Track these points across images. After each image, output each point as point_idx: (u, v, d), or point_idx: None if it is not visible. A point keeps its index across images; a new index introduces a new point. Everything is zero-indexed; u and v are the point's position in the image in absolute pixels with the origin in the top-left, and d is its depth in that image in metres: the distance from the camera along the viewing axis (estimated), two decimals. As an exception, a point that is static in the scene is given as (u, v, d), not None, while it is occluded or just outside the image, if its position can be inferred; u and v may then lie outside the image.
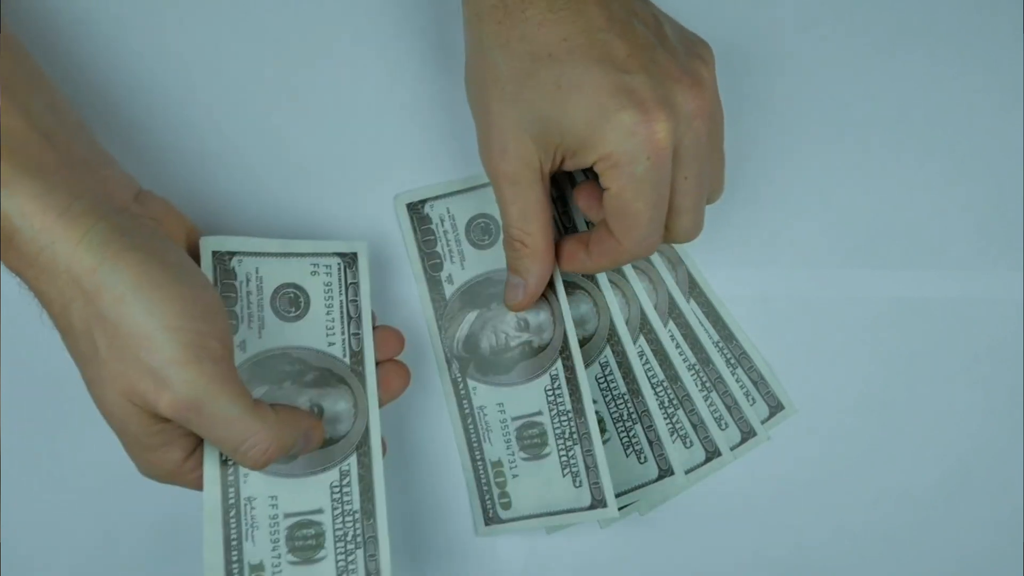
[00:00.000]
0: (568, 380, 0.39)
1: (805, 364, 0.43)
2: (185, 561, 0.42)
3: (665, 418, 0.42)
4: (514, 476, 0.40)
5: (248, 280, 0.36)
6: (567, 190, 0.42)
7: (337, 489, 0.36)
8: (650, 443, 0.41)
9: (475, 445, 0.40)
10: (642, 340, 0.42)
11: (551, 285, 0.40)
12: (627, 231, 0.34)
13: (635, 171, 0.32)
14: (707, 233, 0.43)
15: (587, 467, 0.38)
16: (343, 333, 0.37)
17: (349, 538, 0.35)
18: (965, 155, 0.44)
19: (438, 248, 0.41)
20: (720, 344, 0.43)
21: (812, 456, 0.43)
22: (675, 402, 0.42)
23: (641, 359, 0.42)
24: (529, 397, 0.40)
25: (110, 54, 0.41)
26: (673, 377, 0.42)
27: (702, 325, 0.43)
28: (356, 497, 0.36)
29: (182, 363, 0.30)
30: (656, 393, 0.42)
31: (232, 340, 0.33)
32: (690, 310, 0.43)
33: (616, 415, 0.42)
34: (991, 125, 0.44)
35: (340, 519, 0.35)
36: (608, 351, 0.42)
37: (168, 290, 0.30)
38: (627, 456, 0.41)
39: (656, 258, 0.43)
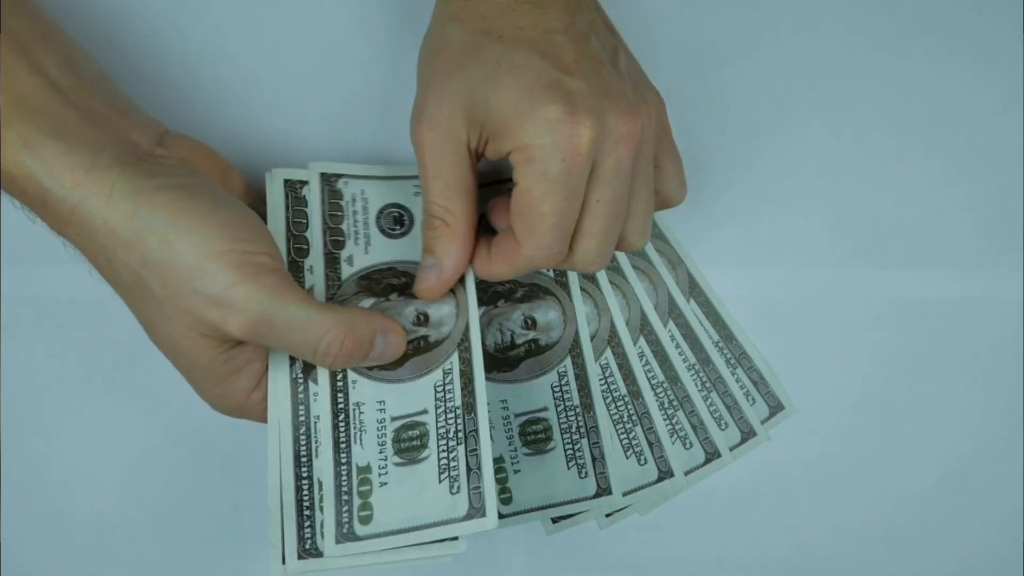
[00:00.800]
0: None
1: (805, 364, 0.43)
2: (186, 560, 0.42)
3: (665, 419, 0.42)
4: (516, 472, 0.40)
5: (354, 200, 0.38)
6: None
7: (440, 388, 0.36)
8: (650, 445, 0.41)
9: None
10: (642, 341, 0.42)
11: (565, 287, 0.40)
12: (528, 233, 0.33)
13: (547, 169, 0.31)
14: (707, 233, 0.43)
15: (594, 458, 0.39)
16: None
17: (451, 435, 0.36)
18: (965, 155, 0.44)
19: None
20: (720, 344, 0.43)
21: (812, 456, 0.43)
22: (675, 403, 0.42)
23: (641, 360, 0.42)
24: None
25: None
26: (673, 378, 0.42)
27: (702, 325, 0.43)
28: (457, 393, 0.36)
29: (239, 283, 0.31)
30: (656, 394, 0.42)
31: (281, 255, 0.34)
32: (690, 310, 0.43)
33: (616, 417, 0.42)
34: (991, 125, 0.44)
35: (443, 417, 0.36)
36: (608, 352, 0.42)
37: (206, 219, 0.31)
38: (627, 458, 0.41)
39: (656, 258, 0.43)
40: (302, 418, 0.36)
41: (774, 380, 0.43)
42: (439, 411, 0.36)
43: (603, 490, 0.38)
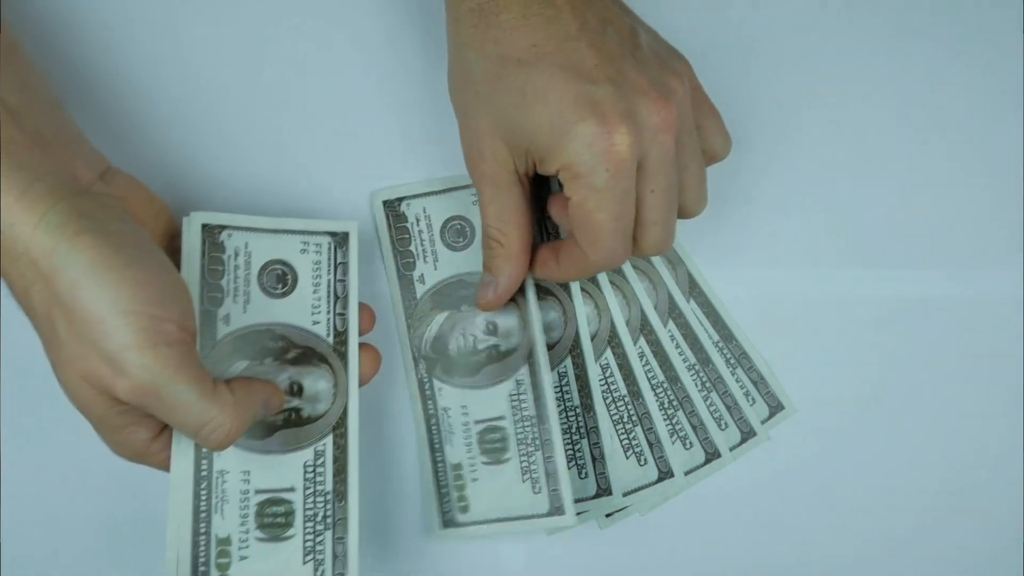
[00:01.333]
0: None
1: (805, 364, 0.43)
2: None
3: (665, 419, 0.42)
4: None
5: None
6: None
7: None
8: (650, 445, 0.41)
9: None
10: (642, 341, 0.42)
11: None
12: (591, 242, 0.34)
13: (594, 182, 0.32)
14: (707, 233, 0.43)
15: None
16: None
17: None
18: (965, 155, 0.44)
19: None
20: (720, 344, 0.43)
21: (812, 456, 0.43)
22: (675, 403, 0.42)
23: (641, 360, 0.42)
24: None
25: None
26: (673, 378, 0.42)
27: (702, 325, 0.43)
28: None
29: (137, 348, 0.29)
30: (656, 395, 0.42)
31: (194, 322, 0.33)
32: (690, 310, 0.43)
33: (616, 417, 0.42)
34: (991, 125, 0.44)
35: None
36: (609, 353, 0.42)
37: (122, 273, 0.29)
38: (627, 458, 0.41)
39: (656, 258, 0.43)
40: (204, 473, 0.35)
41: (774, 380, 0.43)
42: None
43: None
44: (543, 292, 0.41)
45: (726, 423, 0.42)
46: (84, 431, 0.41)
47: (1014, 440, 0.43)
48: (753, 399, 0.43)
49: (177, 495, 0.34)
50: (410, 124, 0.42)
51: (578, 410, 0.41)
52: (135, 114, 0.41)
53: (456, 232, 0.41)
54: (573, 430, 0.41)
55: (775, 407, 0.43)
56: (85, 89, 0.41)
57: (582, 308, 0.42)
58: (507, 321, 0.40)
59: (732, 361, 0.43)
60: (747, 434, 0.42)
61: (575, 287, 0.42)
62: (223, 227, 0.36)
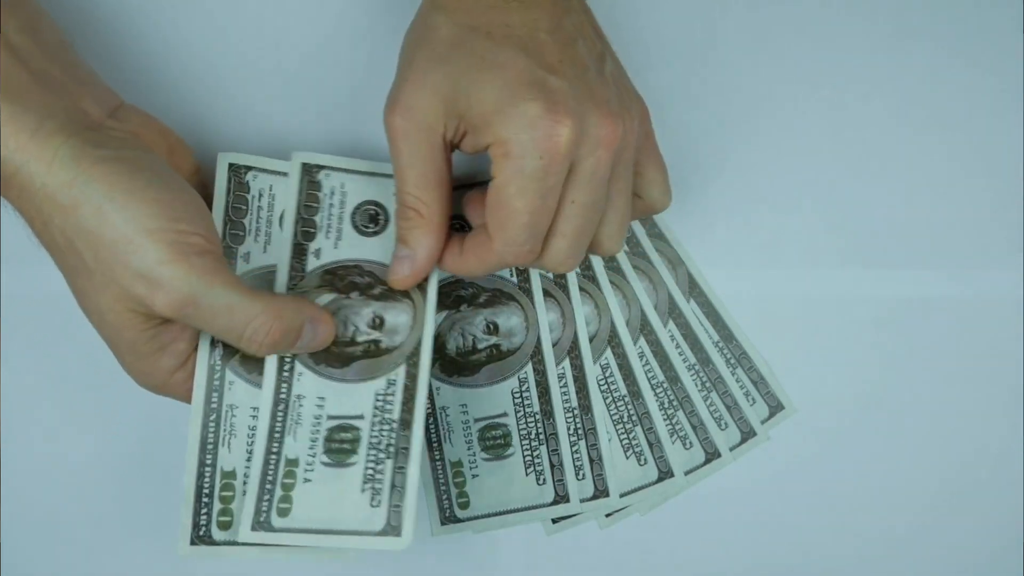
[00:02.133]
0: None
1: (805, 364, 0.43)
2: (185, 560, 0.42)
3: (665, 419, 0.42)
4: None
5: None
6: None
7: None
8: (650, 445, 0.42)
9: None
10: (642, 341, 0.42)
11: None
12: (501, 228, 0.33)
13: (524, 166, 0.31)
14: (707, 233, 0.43)
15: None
16: None
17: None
18: (965, 155, 0.44)
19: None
20: (720, 344, 0.43)
21: (812, 456, 0.43)
22: (675, 403, 0.42)
23: (641, 360, 0.42)
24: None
25: None
26: (673, 378, 0.42)
27: (702, 325, 0.43)
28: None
29: (169, 262, 0.31)
30: (656, 395, 0.42)
31: (218, 236, 0.34)
32: (690, 310, 0.43)
33: (616, 417, 0.42)
34: (991, 125, 0.44)
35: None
36: (609, 352, 0.42)
37: (143, 194, 0.31)
38: (627, 458, 0.41)
39: (656, 258, 0.43)
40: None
41: (774, 380, 0.43)
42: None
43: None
44: (506, 297, 0.41)
45: (726, 423, 0.42)
46: (84, 430, 0.41)
47: (1014, 440, 0.43)
48: (753, 399, 0.43)
49: (262, 412, 0.35)
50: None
51: (576, 411, 0.41)
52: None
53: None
54: (571, 431, 0.41)
55: (775, 407, 0.43)
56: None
57: (580, 311, 0.42)
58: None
59: (732, 361, 0.43)
60: (747, 434, 0.42)
61: (574, 288, 0.42)
62: (320, 167, 0.38)
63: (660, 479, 0.41)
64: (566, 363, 0.42)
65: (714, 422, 0.42)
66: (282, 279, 0.37)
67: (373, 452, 0.36)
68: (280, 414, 0.36)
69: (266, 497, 0.35)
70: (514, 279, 0.41)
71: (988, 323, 0.43)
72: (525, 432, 0.40)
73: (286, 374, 0.36)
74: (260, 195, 0.38)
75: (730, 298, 0.43)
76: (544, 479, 0.40)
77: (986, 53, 0.44)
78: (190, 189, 0.33)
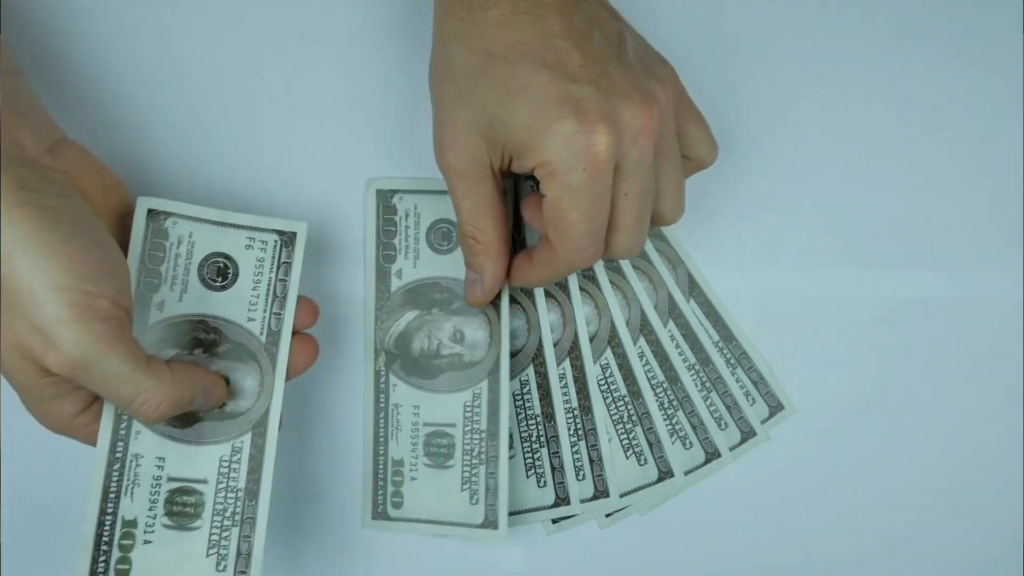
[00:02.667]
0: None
1: (805, 364, 0.43)
2: None
3: (665, 419, 0.42)
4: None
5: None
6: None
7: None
8: (650, 445, 0.42)
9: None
10: (642, 341, 0.42)
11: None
12: (563, 240, 0.34)
13: (571, 180, 0.32)
14: (707, 233, 0.43)
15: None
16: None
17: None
18: (965, 155, 0.44)
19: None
20: (720, 344, 0.43)
21: (812, 456, 0.43)
22: (675, 403, 0.42)
23: (641, 360, 0.42)
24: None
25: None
26: (673, 378, 0.42)
27: (702, 325, 0.43)
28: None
29: (67, 322, 0.30)
30: (656, 395, 0.42)
31: (130, 300, 0.33)
32: (690, 310, 0.43)
33: (616, 417, 0.42)
34: (991, 125, 0.44)
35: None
36: (609, 353, 0.42)
37: (57, 248, 0.30)
38: (627, 458, 0.42)
39: (656, 258, 0.43)
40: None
41: (774, 380, 0.43)
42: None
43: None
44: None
45: (726, 423, 0.42)
46: (84, 431, 0.41)
47: (1014, 440, 0.43)
48: (753, 399, 0.43)
49: (93, 472, 0.35)
50: (411, 121, 0.42)
51: (576, 412, 0.41)
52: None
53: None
54: (571, 432, 0.41)
55: (775, 407, 0.43)
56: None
57: (581, 312, 0.42)
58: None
59: (732, 361, 0.43)
60: (747, 434, 0.42)
61: (574, 288, 0.42)
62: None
63: (660, 479, 0.41)
64: (566, 364, 0.42)
65: (714, 422, 0.42)
66: (370, 301, 0.40)
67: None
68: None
69: (380, 492, 0.39)
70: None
71: (988, 323, 0.43)
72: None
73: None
74: (179, 242, 0.37)
75: (730, 298, 0.43)
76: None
77: (986, 53, 0.44)
78: (110, 246, 0.33)
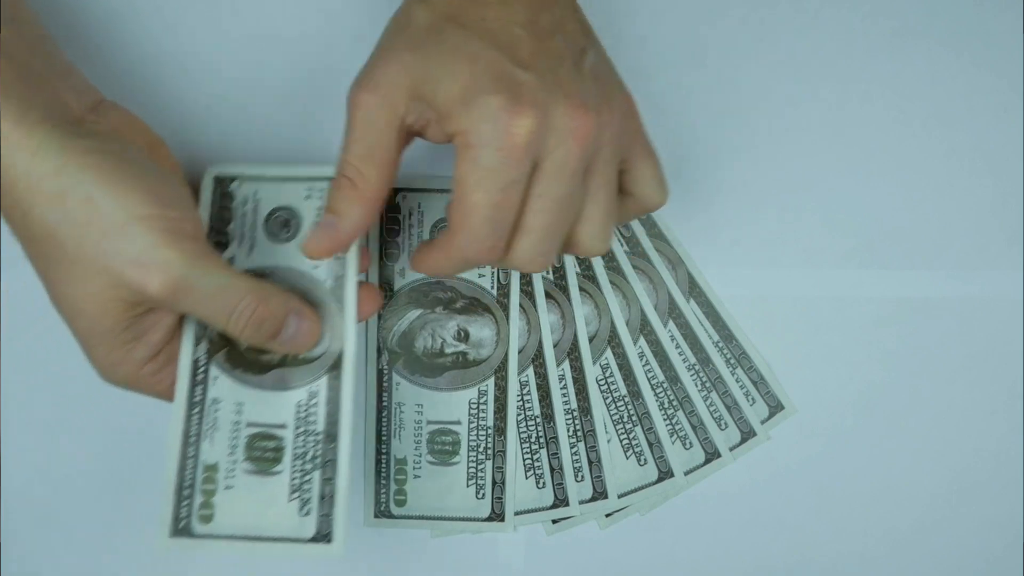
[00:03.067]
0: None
1: (805, 364, 0.43)
2: (186, 559, 0.42)
3: (665, 419, 0.42)
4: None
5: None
6: None
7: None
8: (650, 445, 0.42)
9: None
10: (642, 341, 0.42)
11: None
12: (462, 222, 0.32)
13: (482, 157, 0.31)
14: (707, 233, 0.43)
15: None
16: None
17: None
18: (965, 155, 0.44)
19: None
20: (720, 344, 0.43)
21: (812, 456, 0.43)
22: (675, 403, 0.42)
23: (641, 360, 0.42)
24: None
25: None
26: (673, 378, 0.42)
27: (702, 325, 0.43)
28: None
29: (163, 246, 0.31)
30: (656, 395, 0.42)
31: (201, 225, 0.34)
32: (690, 310, 0.43)
33: (616, 417, 0.42)
34: (991, 125, 0.44)
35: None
36: (609, 353, 0.42)
37: (133, 183, 0.31)
38: (627, 458, 0.42)
39: (656, 258, 0.43)
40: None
41: (774, 380, 0.43)
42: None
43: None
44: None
45: (726, 423, 0.42)
46: (84, 430, 0.41)
47: (1014, 440, 0.43)
48: (753, 399, 0.43)
49: (173, 417, 0.35)
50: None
51: (575, 413, 0.41)
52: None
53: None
54: (570, 433, 0.41)
55: (775, 407, 0.43)
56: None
57: (580, 312, 0.42)
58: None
59: (732, 361, 0.43)
60: (747, 434, 0.42)
61: (574, 289, 0.42)
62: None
63: (660, 479, 0.41)
64: (566, 365, 0.42)
65: (714, 422, 0.42)
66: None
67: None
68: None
69: (383, 490, 0.40)
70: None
71: (988, 323, 0.43)
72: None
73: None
74: (245, 201, 0.38)
75: (730, 298, 0.43)
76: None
77: (986, 53, 0.44)
78: (175, 179, 0.34)
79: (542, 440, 0.41)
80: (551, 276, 0.42)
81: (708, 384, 0.43)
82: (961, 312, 0.43)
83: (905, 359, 0.43)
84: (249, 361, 0.36)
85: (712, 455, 0.42)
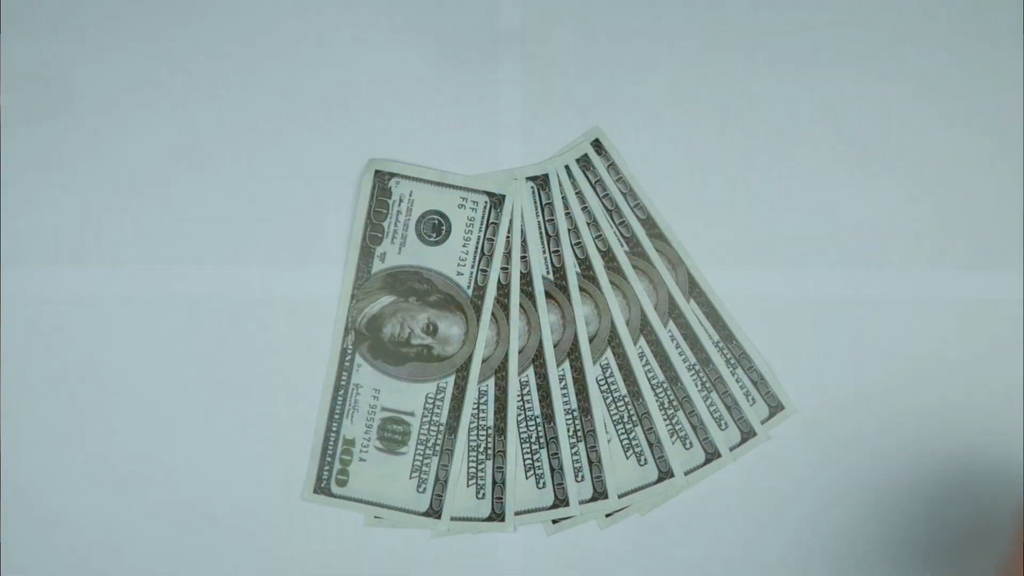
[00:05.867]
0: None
1: (805, 364, 0.43)
2: (186, 560, 0.42)
3: (665, 419, 0.42)
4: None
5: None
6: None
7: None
8: (650, 445, 0.42)
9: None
10: (642, 341, 0.42)
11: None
12: None
13: None
14: (707, 233, 0.43)
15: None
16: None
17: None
18: (965, 155, 0.44)
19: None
20: (720, 344, 0.43)
21: (812, 456, 0.43)
22: (675, 403, 0.42)
23: (641, 360, 0.42)
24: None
25: None
26: (673, 378, 0.42)
27: (702, 325, 0.43)
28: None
29: None
30: (656, 395, 0.42)
31: None
32: (690, 310, 0.43)
33: (616, 417, 0.42)
34: (991, 125, 0.44)
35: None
36: (609, 353, 0.42)
37: None
38: (627, 458, 0.42)
39: (656, 258, 0.43)
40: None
41: (774, 380, 0.43)
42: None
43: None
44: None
45: (726, 423, 0.42)
46: (84, 430, 0.41)
47: (1014, 440, 0.43)
48: (753, 399, 0.43)
49: (322, 394, 0.41)
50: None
51: (576, 413, 0.41)
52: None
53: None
54: (570, 433, 0.41)
55: (775, 407, 0.43)
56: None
57: (580, 313, 0.42)
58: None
59: (732, 361, 0.43)
60: (747, 434, 0.42)
61: (574, 289, 0.42)
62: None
63: (660, 479, 0.41)
64: (566, 365, 0.42)
65: (714, 422, 0.42)
66: (348, 279, 0.41)
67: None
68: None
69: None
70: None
71: (988, 323, 0.43)
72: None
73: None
74: (400, 200, 0.41)
75: (730, 298, 0.43)
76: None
77: (986, 53, 0.44)
78: None
79: (542, 440, 0.41)
80: (551, 276, 0.42)
81: (708, 384, 0.43)
82: (961, 312, 0.43)
83: (905, 359, 0.43)
84: (389, 353, 0.41)
85: (712, 455, 0.42)
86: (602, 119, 0.43)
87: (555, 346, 0.42)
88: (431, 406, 0.41)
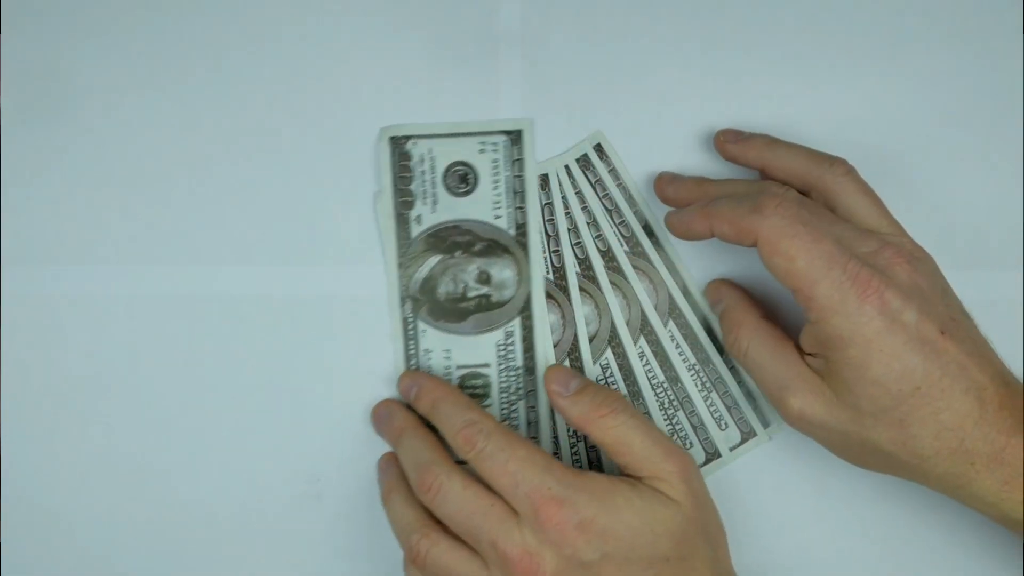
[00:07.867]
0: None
1: (805, 364, 0.43)
2: (186, 560, 0.42)
3: (665, 419, 0.42)
4: None
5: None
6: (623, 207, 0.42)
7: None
8: (650, 444, 0.41)
9: None
10: (642, 341, 0.42)
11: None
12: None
13: None
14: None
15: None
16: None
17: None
18: (965, 155, 0.44)
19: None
20: (720, 344, 0.43)
21: (812, 456, 0.43)
22: (675, 403, 0.42)
23: (641, 360, 0.42)
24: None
25: None
26: (673, 378, 0.42)
27: (702, 325, 0.43)
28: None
29: None
30: (656, 395, 0.42)
31: None
32: (690, 310, 0.43)
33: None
34: (991, 125, 0.44)
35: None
36: (609, 353, 0.42)
37: None
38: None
39: (656, 258, 0.43)
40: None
41: (774, 380, 0.43)
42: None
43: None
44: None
45: (726, 423, 0.42)
46: (84, 430, 0.41)
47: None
48: (754, 399, 0.43)
49: (396, 368, 0.41)
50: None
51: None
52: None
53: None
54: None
55: (775, 407, 0.43)
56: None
57: (581, 313, 0.42)
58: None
59: (732, 361, 0.43)
60: (747, 434, 0.42)
61: (574, 289, 0.42)
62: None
63: (660, 479, 0.41)
64: (566, 365, 0.42)
65: (714, 422, 0.42)
66: (390, 250, 0.41)
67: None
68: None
69: None
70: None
71: (988, 323, 0.43)
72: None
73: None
74: (422, 160, 0.41)
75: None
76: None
77: (986, 53, 0.44)
78: None
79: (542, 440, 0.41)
80: (551, 276, 0.42)
81: (708, 384, 0.43)
82: (961, 312, 0.43)
83: (905, 359, 0.43)
84: (449, 311, 0.41)
85: (712, 455, 0.42)
86: (602, 119, 0.43)
87: (555, 346, 0.42)
88: (504, 352, 0.41)
